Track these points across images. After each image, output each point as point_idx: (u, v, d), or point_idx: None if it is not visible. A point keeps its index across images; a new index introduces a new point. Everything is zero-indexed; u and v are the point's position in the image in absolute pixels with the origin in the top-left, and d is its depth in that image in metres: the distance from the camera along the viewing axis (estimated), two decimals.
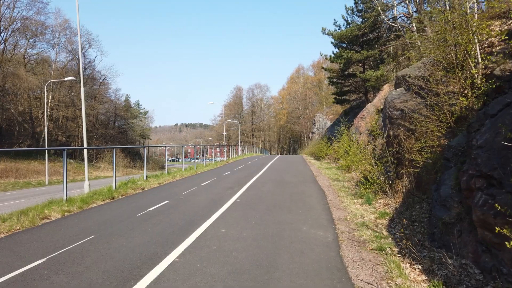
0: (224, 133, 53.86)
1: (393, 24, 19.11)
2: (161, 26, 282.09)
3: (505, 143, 3.27)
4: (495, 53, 6.09)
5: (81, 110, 12.65)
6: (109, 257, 4.40)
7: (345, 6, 24.34)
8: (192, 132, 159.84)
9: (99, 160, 42.09)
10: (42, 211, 6.77)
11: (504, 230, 2.94)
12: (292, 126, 64.86)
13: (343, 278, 3.81)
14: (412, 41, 14.81)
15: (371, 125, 16.21)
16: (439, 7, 7.68)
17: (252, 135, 74.13)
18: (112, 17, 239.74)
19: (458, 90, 6.30)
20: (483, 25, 6.13)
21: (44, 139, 30.99)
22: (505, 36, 5.73)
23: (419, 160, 6.65)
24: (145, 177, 12.68)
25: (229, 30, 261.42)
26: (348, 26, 23.95)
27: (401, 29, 18.28)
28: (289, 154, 62.92)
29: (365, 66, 24.81)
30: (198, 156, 41.86)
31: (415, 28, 16.52)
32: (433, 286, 3.51)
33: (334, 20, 35.13)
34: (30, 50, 40.37)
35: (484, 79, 5.83)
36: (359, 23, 23.15)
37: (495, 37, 6.60)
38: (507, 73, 5.32)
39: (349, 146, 13.54)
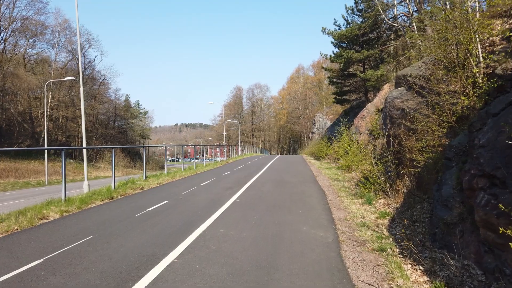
0: (224, 133, 53.83)
1: (393, 24, 19.07)
2: (161, 26, 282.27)
3: (509, 142, 3.22)
4: (496, 52, 6.05)
5: (81, 110, 12.60)
6: (107, 257, 4.35)
7: (345, 5, 24.32)
8: (192, 132, 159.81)
9: (99, 160, 42.07)
10: (40, 211, 6.72)
11: (508, 230, 2.89)
12: (292, 126, 64.81)
13: (343, 279, 3.77)
14: (413, 41, 14.77)
15: (371, 125, 16.17)
16: (440, 6, 7.64)
17: (252, 135, 74.09)
18: (112, 17, 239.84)
19: (459, 89, 6.25)
20: (485, 24, 6.09)
21: (43, 139, 30.94)
22: (510, 33, 5.67)
23: (420, 159, 6.60)
24: (144, 177, 12.63)
25: (229, 30, 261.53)
26: (348, 26, 23.91)
27: (401, 29, 18.23)
28: (289, 154, 62.87)
29: (365, 66, 24.77)
30: (198, 156, 41.84)
31: (415, 27, 16.47)
32: (435, 287, 3.46)
33: (334, 19, 35.09)
34: (30, 50, 40.41)
35: (486, 78, 5.79)
36: (359, 22, 23.10)
37: (497, 36, 6.56)
38: (509, 72, 5.28)
39: (349, 146, 13.49)
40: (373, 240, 5.18)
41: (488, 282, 3.40)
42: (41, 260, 4.26)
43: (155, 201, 8.43)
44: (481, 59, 6.11)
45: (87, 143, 41.90)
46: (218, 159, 30.46)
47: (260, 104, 75.83)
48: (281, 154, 63.81)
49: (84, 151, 12.48)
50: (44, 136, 30.11)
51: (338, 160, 17.10)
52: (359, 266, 4.19)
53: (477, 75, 6.02)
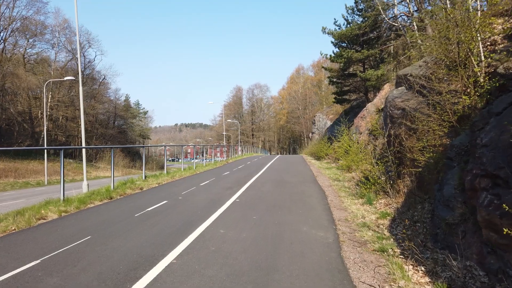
0: (224, 133, 53.78)
1: (393, 23, 19.02)
2: (161, 26, 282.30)
3: None
4: (498, 51, 6.01)
5: (80, 109, 12.56)
6: (105, 258, 4.30)
7: (345, 5, 24.25)
8: (192, 132, 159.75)
9: (99, 160, 42.01)
10: (39, 211, 6.67)
11: None
12: (292, 126, 64.76)
13: (344, 280, 3.72)
14: (413, 40, 14.72)
15: (371, 125, 16.11)
16: (441, 5, 7.59)
17: (252, 135, 74.04)
18: (112, 17, 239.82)
19: (460, 88, 6.20)
20: (486, 23, 6.04)
21: (43, 139, 30.89)
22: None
23: (420, 159, 6.55)
24: (143, 177, 12.58)
25: (229, 30, 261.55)
26: (348, 26, 23.85)
27: (401, 28, 18.18)
28: (289, 154, 62.82)
29: (365, 66, 24.71)
30: (198, 156, 41.78)
31: (415, 27, 16.43)
32: None
33: (334, 19, 35.07)
34: (30, 49, 40.37)
35: (487, 77, 5.74)
36: (359, 22, 23.04)
37: (498, 34, 6.52)
38: (511, 71, 5.23)
39: (349, 146, 13.44)
40: (374, 241, 5.13)
41: (491, 283, 3.35)
42: (38, 261, 4.21)
43: (154, 201, 8.38)
44: (483, 58, 6.06)
45: (87, 143, 41.86)
46: (218, 159, 30.42)
47: (260, 104, 75.78)
48: (281, 154, 63.77)
49: (84, 151, 12.43)
50: (43, 136, 30.06)
51: (338, 160, 17.05)
52: (360, 267, 4.14)
53: (479, 74, 5.97)
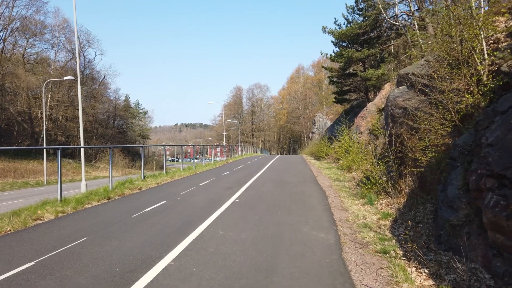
0: (224, 133, 53.69)
1: (394, 23, 18.92)
2: (161, 26, 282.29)
3: None
4: (502, 49, 5.91)
5: (79, 109, 12.47)
6: (101, 260, 4.20)
7: (346, 4, 24.15)
8: (192, 132, 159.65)
9: (98, 160, 41.90)
10: (35, 211, 6.57)
11: None
12: (292, 126, 64.66)
13: (346, 283, 3.62)
14: (414, 39, 14.62)
15: (372, 125, 16.01)
16: (444, 2, 7.49)
17: (252, 135, 73.94)
18: (112, 17, 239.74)
19: (463, 87, 6.11)
20: (489, 21, 5.95)
21: (43, 139, 30.80)
22: None
23: (423, 159, 6.46)
24: (142, 177, 12.49)
25: (229, 30, 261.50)
26: (348, 25, 23.76)
27: (402, 28, 18.08)
28: (289, 154, 62.73)
29: (366, 65, 24.61)
30: (198, 156, 41.71)
31: (416, 26, 16.33)
32: None
33: (335, 19, 35.00)
34: (29, 49, 40.25)
35: (491, 75, 5.65)
36: (360, 21, 22.94)
37: (501, 33, 6.42)
38: None
39: (349, 146, 13.35)
40: (376, 242, 5.03)
41: (497, 286, 3.26)
42: (32, 263, 4.11)
43: (153, 201, 8.29)
44: (486, 56, 5.97)
45: (87, 143, 41.78)
46: (217, 159, 30.31)
47: (260, 104, 75.69)
48: (281, 154, 63.68)
49: (82, 150, 12.34)
50: (43, 136, 29.96)
51: (338, 160, 16.95)
52: (361, 269, 4.05)
53: (482, 72, 5.88)
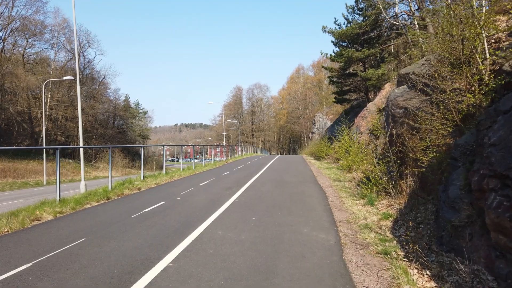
0: (224, 133, 53.63)
1: (394, 22, 18.87)
2: (161, 26, 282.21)
3: None
4: (503, 48, 5.86)
5: (78, 108, 12.42)
6: (99, 262, 4.16)
7: (346, 4, 24.10)
8: (192, 132, 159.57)
9: (98, 160, 41.83)
10: (33, 212, 6.52)
11: None
12: (292, 126, 64.60)
13: (347, 285, 3.58)
14: (414, 39, 14.58)
15: (372, 125, 15.97)
16: (445, 1, 7.44)
17: (252, 135, 73.89)
18: (112, 17, 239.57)
19: (464, 86, 6.06)
20: (491, 20, 5.91)
21: (43, 139, 30.75)
22: None
23: (423, 159, 6.41)
24: (142, 177, 12.44)
25: (229, 30, 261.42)
26: (348, 25, 23.71)
27: (402, 27, 18.04)
28: (289, 154, 62.68)
29: (366, 65, 24.57)
30: (197, 156, 41.68)
31: (417, 25, 16.29)
32: None
33: (335, 18, 34.96)
34: (29, 49, 40.19)
35: (492, 75, 5.60)
36: (360, 21, 22.90)
37: (503, 32, 6.37)
38: None
39: (350, 146, 13.30)
40: (377, 243, 4.99)
41: None
42: (29, 264, 4.07)
43: (152, 201, 8.24)
44: (488, 56, 5.93)
45: (87, 143, 41.72)
46: (217, 159, 30.27)
47: (260, 104, 75.64)
48: (281, 154, 63.62)
49: (81, 150, 12.30)
50: (43, 136, 29.91)
51: (338, 160, 16.91)
52: (362, 270, 4.00)
53: (483, 72, 5.83)
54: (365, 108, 20.43)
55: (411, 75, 8.19)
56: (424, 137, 6.62)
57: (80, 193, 9.33)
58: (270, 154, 61.98)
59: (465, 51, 6.06)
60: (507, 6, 6.59)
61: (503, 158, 3.30)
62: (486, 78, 5.68)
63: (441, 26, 6.82)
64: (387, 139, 8.78)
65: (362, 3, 22.98)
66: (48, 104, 38.51)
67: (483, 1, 6.34)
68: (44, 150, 27.44)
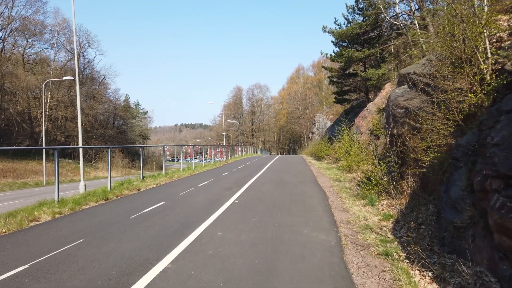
0: (224, 133, 53.57)
1: (394, 22, 18.83)
2: (160, 27, 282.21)
3: None
4: (505, 48, 5.82)
5: (77, 108, 12.38)
6: (97, 263, 4.11)
7: (346, 4, 24.05)
8: (192, 133, 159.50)
9: (98, 161, 41.79)
10: (32, 213, 6.48)
11: None
12: (292, 127, 64.56)
13: (348, 287, 3.53)
14: (415, 39, 14.54)
15: (372, 125, 15.92)
16: (447, 0, 7.39)
17: (252, 135, 73.84)
18: (112, 17, 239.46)
19: (466, 86, 6.01)
20: (493, 19, 5.86)
21: (42, 139, 30.70)
22: None
23: (425, 159, 6.36)
24: (141, 178, 12.40)
25: (229, 30, 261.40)
26: (349, 25, 23.67)
27: (403, 27, 18.00)
28: (289, 154, 62.63)
29: (366, 65, 24.52)
30: (197, 156, 41.64)
31: (417, 25, 16.24)
32: None
33: (335, 18, 34.92)
34: (29, 49, 40.16)
35: (494, 74, 5.55)
36: (360, 21, 22.86)
37: (504, 31, 6.33)
38: None
39: (350, 146, 13.26)
40: (378, 244, 4.94)
41: None
42: (26, 266, 4.02)
43: (151, 202, 8.19)
44: (489, 55, 5.88)
45: (86, 144, 41.66)
46: (217, 159, 30.23)
47: (260, 104, 75.59)
48: (281, 154, 63.57)
49: (81, 150, 12.25)
50: (42, 136, 29.87)
51: (338, 160, 16.86)
52: (363, 272, 3.95)
53: (485, 71, 5.78)
54: (365, 108, 20.38)
55: (412, 74, 8.15)
56: (425, 137, 6.57)
57: (79, 194, 9.28)
58: (270, 154, 61.93)
59: (466, 51, 6.01)
60: (509, 5, 6.56)
61: (506, 158, 3.25)
62: (488, 77, 5.63)
63: (442, 25, 6.78)
64: (388, 139, 8.73)
65: (362, 3, 22.94)
66: (48, 104, 38.48)
67: (484, 0, 6.29)
68: (44, 150, 27.39)
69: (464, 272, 3.49)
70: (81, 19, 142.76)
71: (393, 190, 7.45)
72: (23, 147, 33.67)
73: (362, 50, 22.17)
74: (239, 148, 39.09)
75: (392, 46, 21.99)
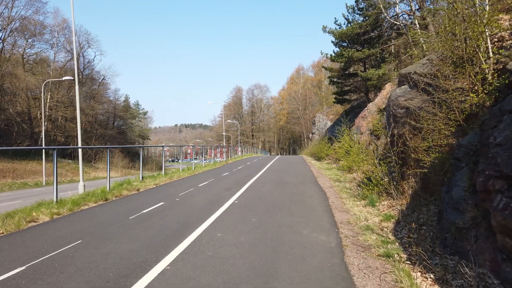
0: (224, 133, 53.53)
1: (395, 22, 18.79)
2: (160, 27, 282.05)
3: None
4: (507, 47, 5.78)
5: (76, 108, 12.33)
6: (95, 264, 4.06)
7: (346, 4, 24.03)
8: (192, 133, 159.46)
9: (98, 161, 41.73)
10: (30, 213, 6.43)
11: None
12: (292, 127, 64.52)
13: None
14: (415, 39, 14.50)
15: (373, 125, 15.87)
16: None
17: (252, 135, 73.79)
18: (111, 17, 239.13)
19: (467, 86, 5.97)
20: (494, 18, 5.82)
21: (42, 139, 30.65)
22: None
23: (426, 160, 6.32)
24: (141, 178, 12.35)
25: (228, 30, 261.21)
26: (349, 25, 23.64)
27: (403, 27, 17.96)
28: (289, 154, 62.58)
29: (366, 65, 24.49)
30: (197, 156, 41.60)
31: (417, 25, 16.20)
32: None
33: (335, 18, 34.90)
34: (29, 49, 40.12)
35: (496, 74, 5.51)
36: (360, 21, 22.83)
37: (506, 31, 6.29)
38: None
39: (350, 146, 13.22)
40: (379, 245, 4.89)
41: None
42: (23, 267, 3.97)
43: (150, 202, 8.15)
44: (491, 55, 5.84)
45: (86, 144, 41.61)
46: (217, 159, 30.18)
47: (260, 105, 75.54)
48: (281, 154, 63.53)
49: (80, 151, 12.21)
50: (42, 136, 29.81)
51: (339, 160, 16.82)
52: (364, 273, 3.90)
53: (487, 71, 5.75)
54: (366, 108, 20.34)
55: (412, 74, 8.10)
56: (426, 137, 6.53)
57: (78, 194, 9.24)
58: (270, 154, 61.88)
59: (468, 50, 5.97)
60: (510, 5, 6.52)
61: (509, 158, 3.20)
62: (490, 77, 5.59)
63: (443, 25, 6.73)
64: (388, 139, 8.69)
65: (362, 3, 22.91)
66: (47, 104, 38.45)
67: (486, 0, 6.25)
68: (44, 150, 27.34)
69: (467, 274, 3.44)
70: (81, 19, 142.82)
71: (393, 190, 7.40)
72: (23, 147, 33.62)
73: (362, 50, 22.14)
74: (239, 149, 39.05)
75: (393, 46, 21.95)
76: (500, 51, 5.67)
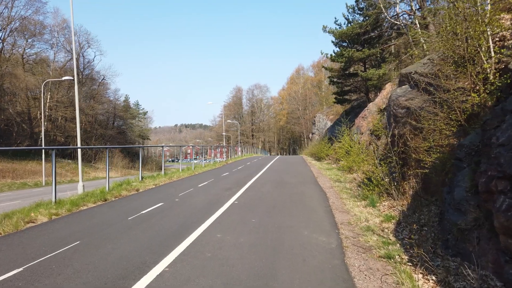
0: (224, 133, 53.49)
1: (395, 22, 18.75)
2: (160, 27, 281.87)
3: None
4: (509, 47, 5.74)
5: (76, 108, 12.28)
6: (93, 266, 4.02)
7: (346, 4, 23.98)
8: (192, 133, 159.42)
9: (98, 161, 41.70)
10: (28, 214, 6.39)
11: None
12: (292, 127, 64.48)
13: None
14: (415, 38, 14.46)
15: (373, 125, 15.83)
16: None
17: (252, 135, 73.76)
18: (111, 17, 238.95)
19: (469, 86, 5.93)
20: (496, 17, 5.78)
21: (42, 139, 30.62)
22: None
23: (427, 160, 6.28)
24: (140, 178, 12.31)
25: (229, 30, 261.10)
26: (349, 25, 23.59)
27: (403, 27, 17.92)
28: (289, 154, 62.54)
29: (367, 65, 24.45)
30: (197, 156, 41.57)
31: (418, 25, 16.16)
32: None
33: (335, 18, 34.83)
34: (29, 50, 40.10)
35: (498, 74, 5.47)
36: (360, 21, 22.78)
37: (507, 30, 6.25)
38: None
39: (350, 147, 13.18)
40: (379, 246, 4.85)
41: None
42: (20, 269, 3.93)
43: (150, 203, 8.10)
44: (493, 54, 5.80)
45: (86, 144, 41.58)
46: (217, 159, 30.13)
47: (260, 105, 75.51)
48: (281, 154, 63.49)
49: (79, 151, 12.17)
50: (42, 136, 29.78)
51: (339, 160, 16.78)
52: (365, 275, 3.86)
53: (488, 70, 5.70)
54: (366, 108, 20.30)
55: (413, 74, 8.07)
56: (427, 137, 6.49)
57: (77, 194, 9.20)
58: (270, 154, 61.83)
59: (469, 50, 5.93)
60: None
61: None
62: (491, 77, 5.55)
63: (444, 24, 6.69)
64: (389, 140, 8.64)
65: (362, 3, 22.86)
66: (47, 104, 38.42)
67: None
68: (43, 150, 27.30)
69: (469, 275, 3.40)
70: (81, 19, 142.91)
71: (394, 191, 7.35)
72: (22, 147, 33.54)
73: (362, 50, 22.10)
74: (239, 149, 39.00)
75: (393, 46, 21.91)
76: (502, 50, 5.63)
